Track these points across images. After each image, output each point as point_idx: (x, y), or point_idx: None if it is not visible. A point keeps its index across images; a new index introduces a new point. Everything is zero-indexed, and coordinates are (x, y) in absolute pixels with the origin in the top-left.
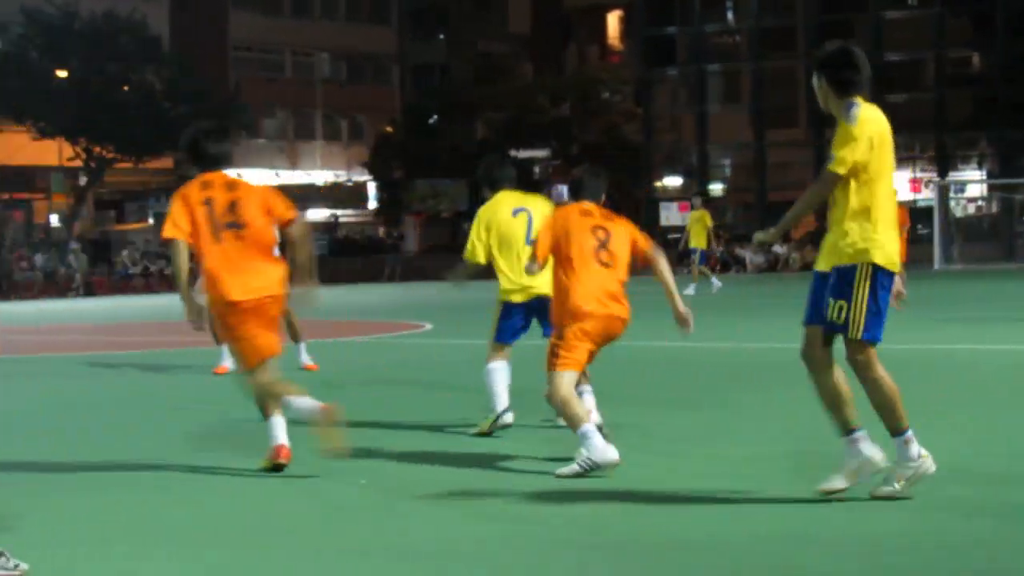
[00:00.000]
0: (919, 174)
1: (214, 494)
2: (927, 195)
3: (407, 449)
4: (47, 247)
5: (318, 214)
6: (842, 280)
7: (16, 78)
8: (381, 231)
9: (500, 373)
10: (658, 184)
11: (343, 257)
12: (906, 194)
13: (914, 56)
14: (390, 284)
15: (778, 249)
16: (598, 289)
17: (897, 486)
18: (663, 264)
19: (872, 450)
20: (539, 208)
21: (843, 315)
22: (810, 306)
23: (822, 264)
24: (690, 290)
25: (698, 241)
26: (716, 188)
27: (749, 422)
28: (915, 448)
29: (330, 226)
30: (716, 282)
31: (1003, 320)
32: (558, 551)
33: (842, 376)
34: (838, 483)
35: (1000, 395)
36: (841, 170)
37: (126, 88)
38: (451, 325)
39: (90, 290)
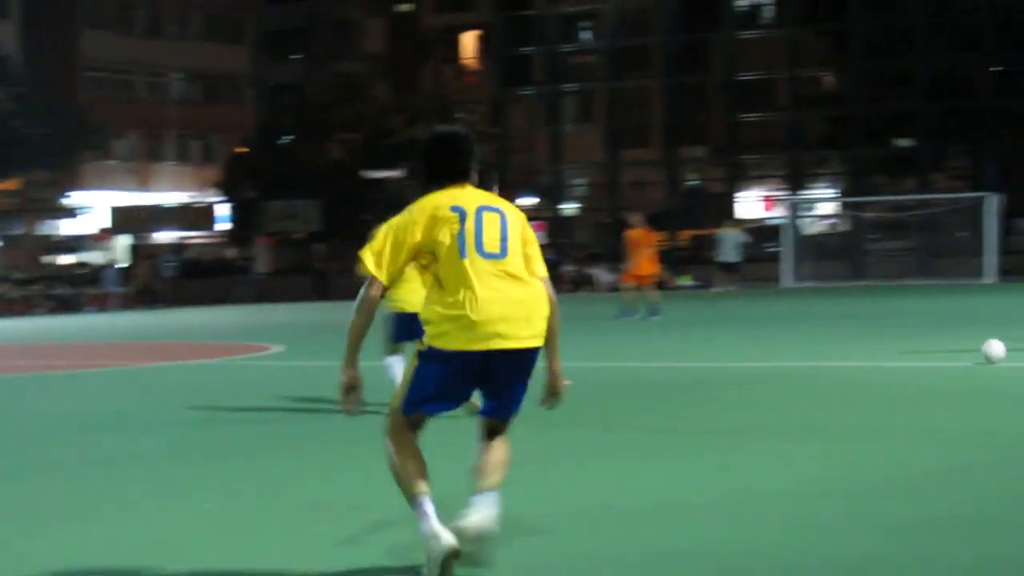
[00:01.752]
0: (770, 192)
1: None
2: (778, 213)
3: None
4: None
5: (167, 236)
6: None
7: None
8: (232, 253)
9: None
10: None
11: (192, 279)
12: (759, 212)
13: (768, 76)
14: (239, 305)
15: None
16: None
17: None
18: None
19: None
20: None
21: None
22: None
23: None
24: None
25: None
26: (570, 207)
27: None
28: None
29: (178, 248)
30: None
31: (847, 338)
32: None
33: None
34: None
35: (844, 411)
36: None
37: None
38: (302, 346)
39: None
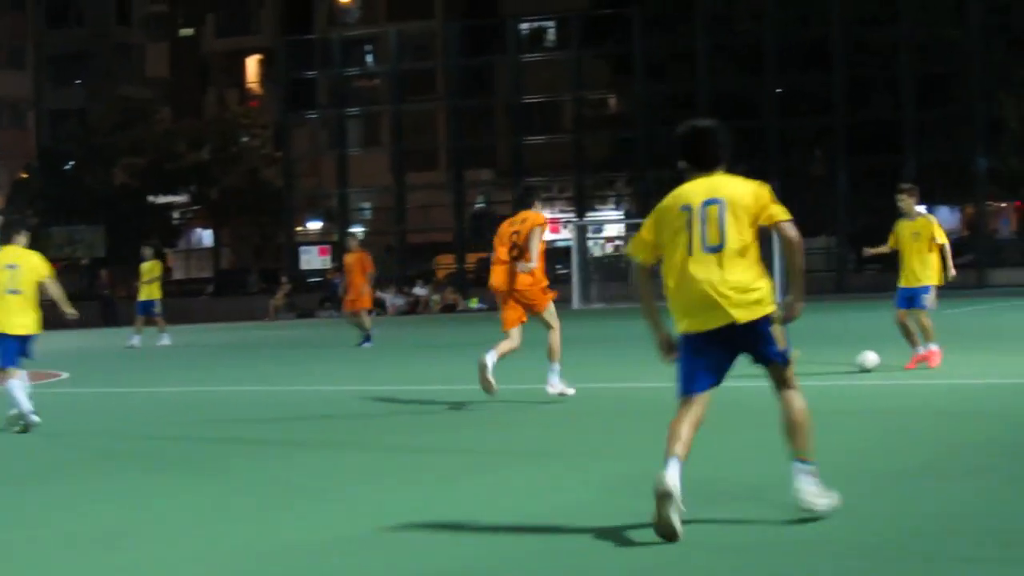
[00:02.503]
0: (558, 214)
1: None
2: (566, 235)
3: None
4: None
5: None
6: None
7: None
8: None
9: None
10: (299, 229)
11: None
12: (547, 234)
13: (553, 99)
14: None
15: (419, 291)
16: None
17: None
18: None
19: None
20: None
21: None
22: None
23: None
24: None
25: (151, 292)
26: (357, 231)
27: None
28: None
29: None
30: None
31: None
32: None
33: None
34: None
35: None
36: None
37: None
38: (87, 374)
39: None
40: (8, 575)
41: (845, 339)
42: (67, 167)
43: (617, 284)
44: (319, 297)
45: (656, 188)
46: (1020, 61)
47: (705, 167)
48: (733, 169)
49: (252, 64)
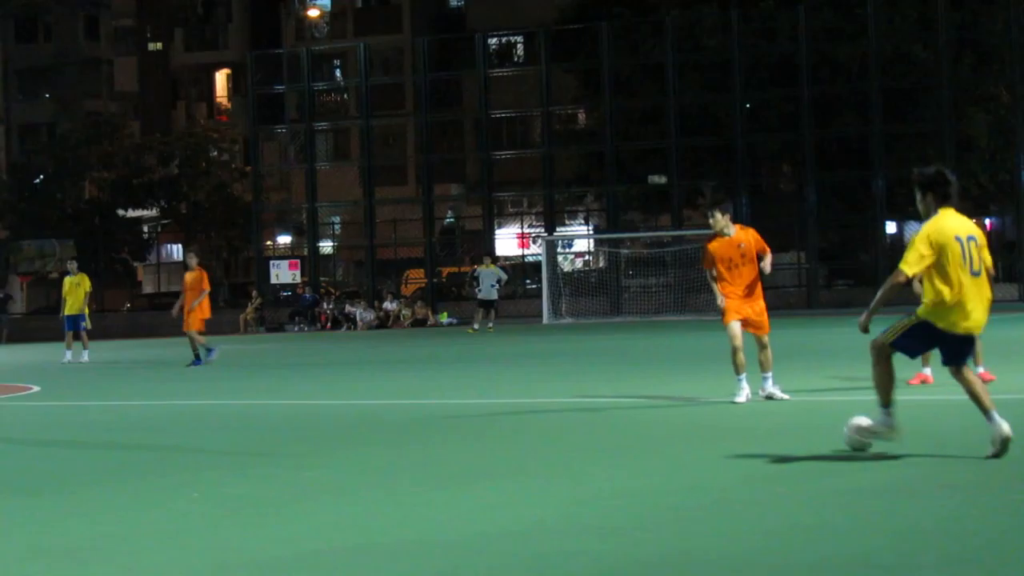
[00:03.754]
0: (527, 229)
1: None
2: (535, 250)
3: None
4: None
5: None
6: None
7: None
8: None
9: None
10: (268, 243)
11: None
12: (514, 249)
13: (521, 113)
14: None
15: (389, 305)
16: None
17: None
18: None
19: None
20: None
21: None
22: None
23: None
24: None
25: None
26: (326, 245)
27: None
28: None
29: None
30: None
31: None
32: None
33: None
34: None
35: (583, 448)
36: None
37: None
38: (56, 387)
39: None
40: None
41: (820, 354)
42: (36, 181)
43: (586, 299)
44: (289, 311)
45: (625, 203)
46: (988, 77)
47: (949, 203)
48: (701, 185)
49: (221, 78)
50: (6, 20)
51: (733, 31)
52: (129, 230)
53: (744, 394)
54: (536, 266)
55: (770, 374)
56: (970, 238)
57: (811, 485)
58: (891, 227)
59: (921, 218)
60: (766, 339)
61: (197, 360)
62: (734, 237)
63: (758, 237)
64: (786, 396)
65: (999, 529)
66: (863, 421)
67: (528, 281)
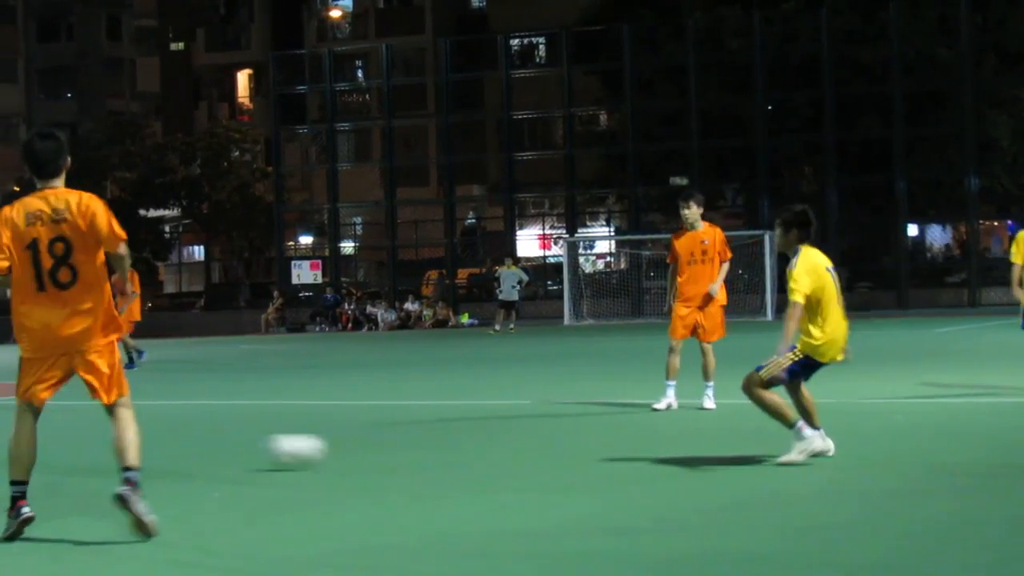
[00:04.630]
0: (549, 231)
1: None
2: (557, 251)
3: None
4: None
5: None
6: None
7: None
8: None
9: None
10: (290, 243)
11: None
12: (536, 251)
13: (543, 115)
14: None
15: (410, 306)
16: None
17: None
18: None
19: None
20: None
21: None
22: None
23: None
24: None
25: None
26: (348, 246)
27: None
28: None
29: None
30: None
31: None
32: None
33: None
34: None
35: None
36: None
37: None
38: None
39: None
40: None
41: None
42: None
43: (607, 300)
44: (310, 312)
45: (646, 204)
46: (1011, 80)
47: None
48: (723, 187)
49: (243, 78)
50: (29, 20)
51: (755, 33)
52: (150, 230)
53: (666, 402)
54: (557, 267)
55: (711, 384)
56: (831, 269)
57: (830, 486)
58: (913, 229)
59: (785, 252)
60: (708, 346)
61: (131, 363)
62: (700, 232)
63: (724, 239)
64: (712, 406)
65: (1014, 531)
66: (795, 451)
67: (549, 282)
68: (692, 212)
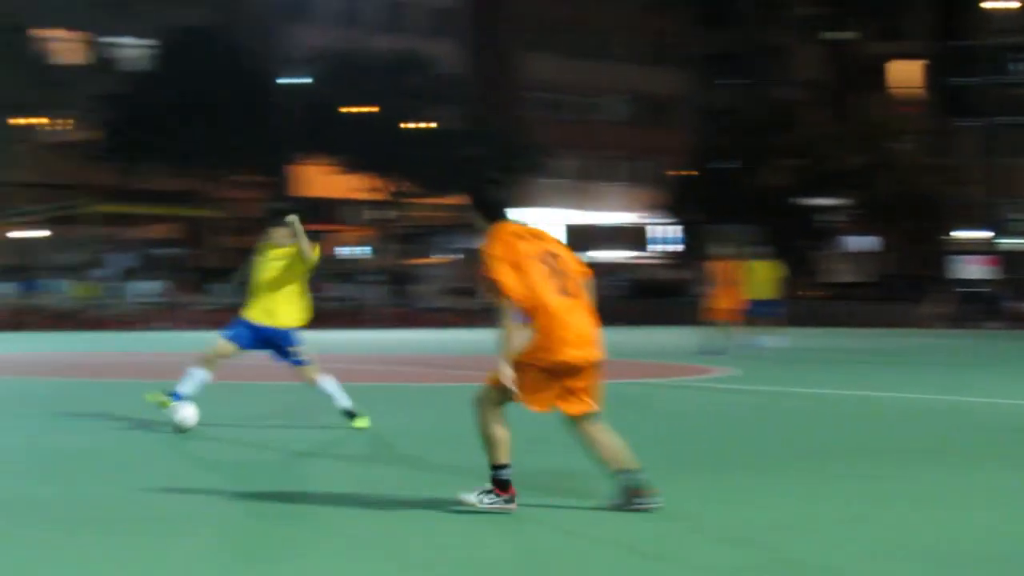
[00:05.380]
0: None
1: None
2: None
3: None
4: (348, 278)
5: (604, 256)
6: None
7: (315, 113)
8: (678, 274)
9: None
10: (953, 236)
11: (640, 299)
12: None
13: None
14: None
15: None
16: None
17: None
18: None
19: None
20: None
21: None
22: None
23: None
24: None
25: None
26: (1016, 242)
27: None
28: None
29: (626, 268)
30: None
31: None
32: None
33: None
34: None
35: None
36: None
37: (425, 125)
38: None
39: (389, 321)
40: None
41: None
42: (729, 166)
43: None
44: (975, 307)
45: None
46: None
47: None
48: None
49: (900, 69)
50: (692, 5)
51: None
52: (806, 218)
53: None
54: None
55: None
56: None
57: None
58: None
59: None
60: None
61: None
62: None
63: None
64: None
65: None
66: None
67: None
68: None
